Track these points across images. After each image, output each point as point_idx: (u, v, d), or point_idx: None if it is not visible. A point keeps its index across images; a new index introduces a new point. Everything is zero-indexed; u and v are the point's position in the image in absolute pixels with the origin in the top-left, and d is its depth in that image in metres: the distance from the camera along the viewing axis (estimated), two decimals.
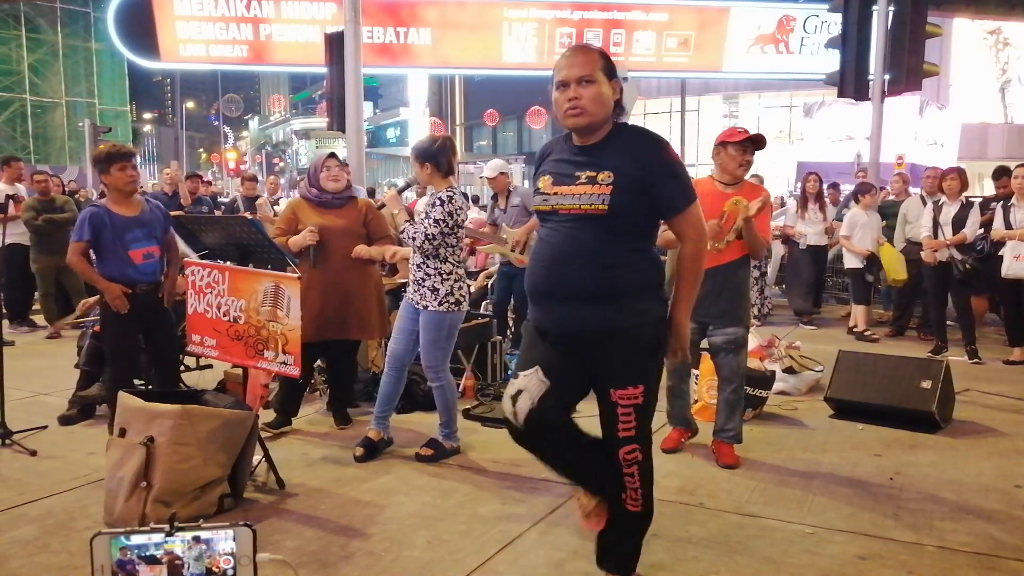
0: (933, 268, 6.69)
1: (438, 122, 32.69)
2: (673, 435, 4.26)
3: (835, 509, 3.43)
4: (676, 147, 22.46)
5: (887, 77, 9.62)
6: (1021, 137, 22.46)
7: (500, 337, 5.77)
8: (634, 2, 18.85)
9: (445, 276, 3.89)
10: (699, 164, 23.31)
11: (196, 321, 3.84)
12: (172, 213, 5.02)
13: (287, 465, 3.84)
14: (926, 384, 4.57)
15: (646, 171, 2.39)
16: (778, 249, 9.82)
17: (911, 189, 8.81)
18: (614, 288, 2.42)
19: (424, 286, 3.89)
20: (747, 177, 4.08)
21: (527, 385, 2.49)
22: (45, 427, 4.55)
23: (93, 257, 4.21)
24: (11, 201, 5.82)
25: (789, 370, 5.41)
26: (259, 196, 8.84)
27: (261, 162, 49.63)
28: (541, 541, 3.08)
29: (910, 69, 9.36)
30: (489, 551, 3.00)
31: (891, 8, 9.47)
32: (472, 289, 6.57)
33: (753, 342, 5.23)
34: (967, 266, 6.47)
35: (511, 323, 6.57)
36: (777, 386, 5.16)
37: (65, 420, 4.68)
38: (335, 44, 9.73)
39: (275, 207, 8.83)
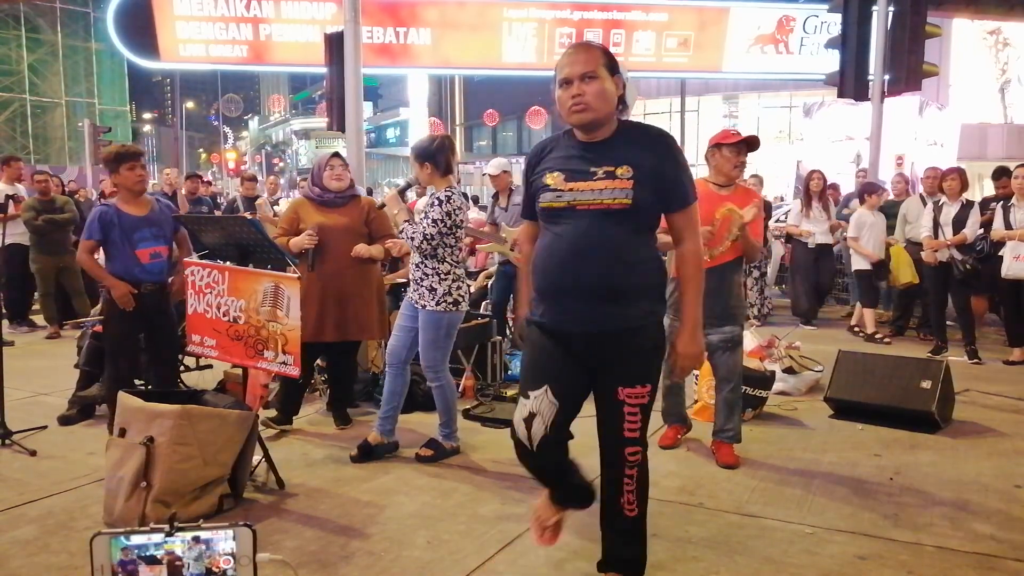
0: (933, 268, 6.69)
1: (438, 122, 32.69)
2: (669, 432, 4.29)
3: (835, 509, 3.43)
4: None
5: (887, 77, 9.60)
6: (1021, 137, 22.45)
7: (500, 337, 5.77)
8: (634, 2, 18.83)
9: (443, 276, 3.89)
10: (699, 164, 23.21)
11: (196, 321, 3.84)
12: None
13: (287, 465, 3.84)
14: (926, 384, 4.57)
15: (661, 162, 2.40)
16: (778, 249, 9.81)
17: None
18: (633, 285, 2.42)
19: (423, 285, 3.90)
20: (747, 177, 4.12)
21: (540, 408, 2.47)
22: (45, 427, 4.56)
23: (100, 256, 4.24)
24: (11, 201, 5.82)
25: (789, 370, 5.41)
26: (259, 196, 8.83)
27: (261, 162, 49.64)
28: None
29: (910, 69, 9.35)
30: (489, 551, 3.00)
31: (891, 8, 9.46)
32: (472, 289, 6.56)
33: (753, 342, 5.24)
34: (967, 266, 6.47)
35: (510, 323, 6.56)
36: (777, 386, 5.16)
37: (65, 420, 4.69)
38: (335, 44, 9.72)
39: (275, 207, 8.83)
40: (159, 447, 3.17)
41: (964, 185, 6.75)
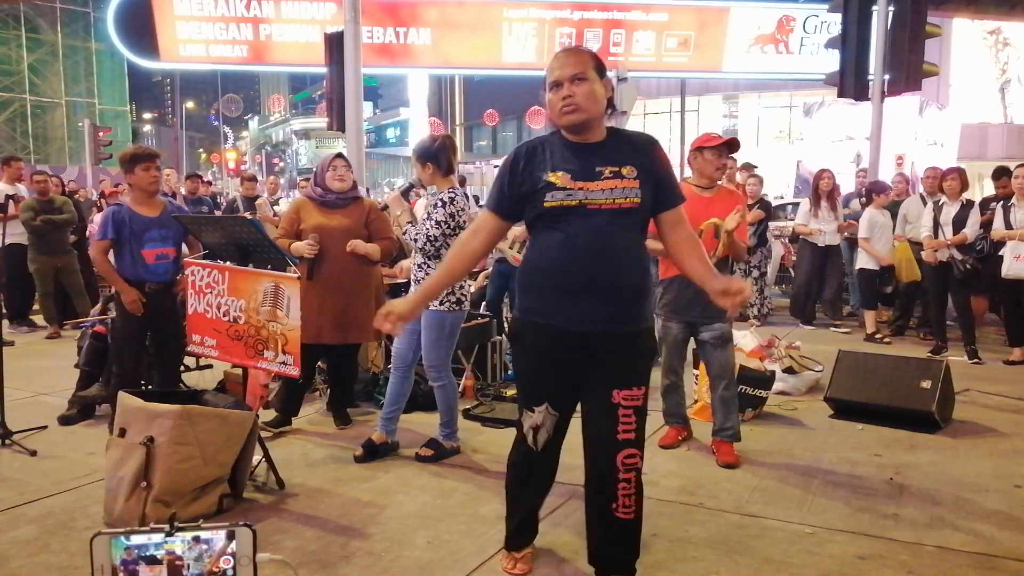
0: (933, 268, 6.69)
1: (438, 122, 32.67)
2: (671, 432, 4.29)
3: (835, 509, 3.43)
4: (676, 147, 22.56)
5: (887, 77, 9.60)
6: (1021, 137, 22.46)
7: (500, 337, 5.76)
8: (634, 2, 18.85)
9: None
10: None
11: (196, 321, 3.84)
12: None
13: (287, 465, 3.84)
14: (926, 384, 4.57)
15: (655, 165, 2.47)
16: (778, 249, 9.79)
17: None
18: (640, 285, 2.47)
19: None
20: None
21: (543, 421, 2.58)
22: (45, 427, 4.56)
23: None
24: (11, 201, 5.83)
25: (789, 370, 5.41)
26: (259, 196, 8.83)
27: (261, 162, 49.56)
28: (541, 541, 3.07)
29: (910, 69, 9.35)
30: (489, 551, 2.99)
31: (891, 8, 9.45)
32: (472, 289, 6.56)
33: (753, 342, 5.24)
34: (967, 266, 6.47)
35: (507, 321, 6.56)
36: (777, 386, 5.16)
37: (65, 420, 4.69)
38: (335, 44, 9.72)
39: (275, 207, 8.83)
40: (159, 447, 3.16)
41: (964, 185, 6.75)
